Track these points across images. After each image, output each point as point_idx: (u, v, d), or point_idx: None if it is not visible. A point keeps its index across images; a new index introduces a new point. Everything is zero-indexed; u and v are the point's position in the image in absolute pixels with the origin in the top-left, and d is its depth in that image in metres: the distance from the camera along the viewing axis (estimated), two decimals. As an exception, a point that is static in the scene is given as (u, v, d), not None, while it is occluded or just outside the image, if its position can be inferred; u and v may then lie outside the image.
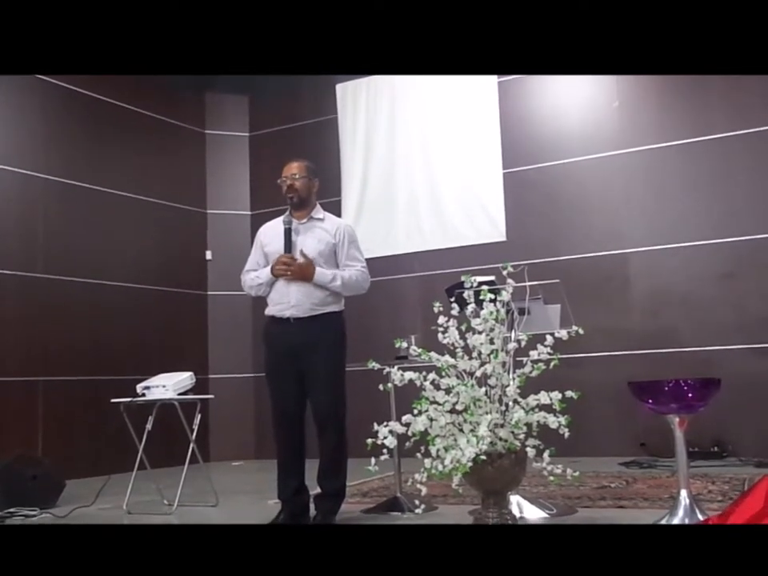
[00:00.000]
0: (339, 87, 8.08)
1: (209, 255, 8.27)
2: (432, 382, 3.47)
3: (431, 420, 3.40)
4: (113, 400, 4.65)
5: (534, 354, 3.50)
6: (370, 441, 3.36)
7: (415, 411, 3.42)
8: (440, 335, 3.58)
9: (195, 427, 4.59)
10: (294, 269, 3.78)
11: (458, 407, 3.43)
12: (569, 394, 3.39)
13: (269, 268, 3.89)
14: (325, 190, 4.12)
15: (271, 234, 3.99)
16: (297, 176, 3.93)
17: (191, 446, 4.60)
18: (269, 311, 3.91)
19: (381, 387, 3.71)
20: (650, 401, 3.48)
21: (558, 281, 4.01)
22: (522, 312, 3.89)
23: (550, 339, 3.51)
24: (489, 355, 3.48)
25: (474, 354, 3.52)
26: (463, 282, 3.68)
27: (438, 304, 3.63)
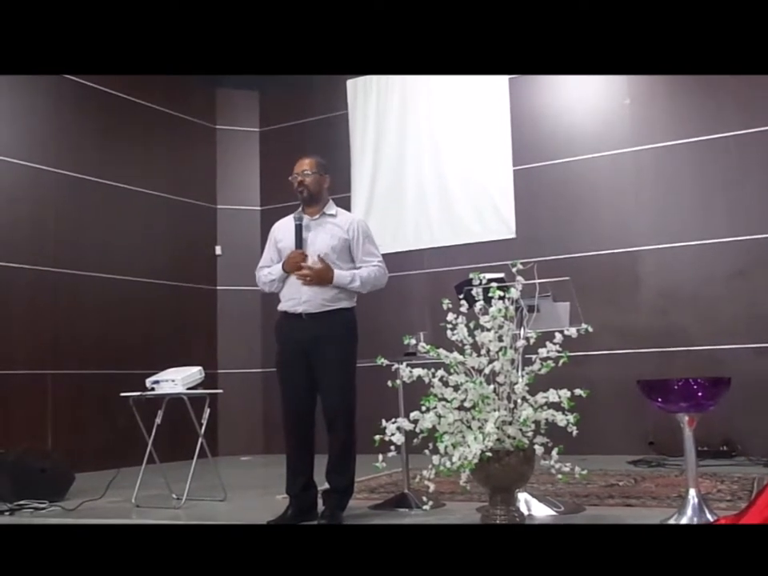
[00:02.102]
0: (350, 83, 8.08)
1: (218, 250, 8.28)
2: (440, 379, 3.47)
3: (439, 417, 3.40)
4: (122, 394, 4.66)
5: (542, 352, 3.50)
6: (377, 437, 3.37)
7: (423, 408, 3.42)
8: (449, 332, 3.58)
9: (204, 422, 4.60)
10: (312, 274, 3.78)
11: (467, 404, 3.44)
12: (578, 391, 3.38)
13: (281, 264, 3.90)
14: (334, 186, 4.12)
15: (284, 230, 4.00)
16: (307, 172, 3.93)
17: (200, 440, 4.61)
18: (281, 307, 3.92)
19: (389, 384, 3.71)
20: (660, 399, 3.47)
21: (567, 278, 4.00)
22: (531, 309, 3.88)
23: (559, 337, 3.50)
24: (497, 352, 3.48)
25: (483, 351, 3.52)
26: (472, 279, 3.68)
27: (446, 301, 3.63)
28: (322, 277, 3.78)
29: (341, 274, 3.81)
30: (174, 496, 4.70)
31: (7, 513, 4.40)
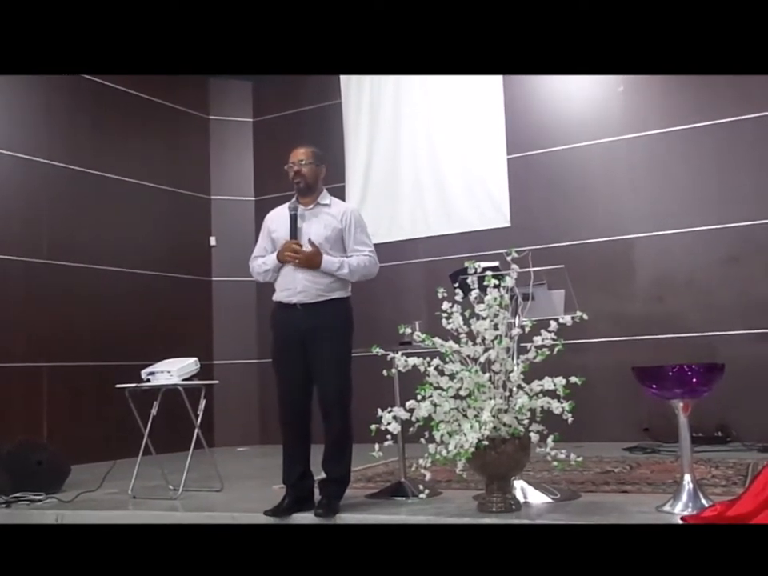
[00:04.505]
0: (343, 72, 8.06)
1: (213, 241, 8.27)
2: (436, 368, 3.48)
3: (435, 405, 3.41)
4: (118, 385, 4.65)
5: (538, 340, 3.50)
6: (374, 426, 3.38)
7: (419, 397, 3.43)
8: (444, 321, 3.59)
9: (200, 413, 4.60)
10: (301, 257, 3.78)
11: (462, 393, 3.45)
12: (573, 379, 3.40)
13: (275, 254, 3.89)
14: (329, 176, 4.10)
15: (278, 220, 3.99)
16: (304, 162, 3.91)
17: (196, 431, 4.61)
18: (276, 297, 3.92)
19: (385, 373, 3.72)
20: (654, 386, 3.48)
21: (562, 266, 4.00)
22: (526, 298, 3.89)
23: (554, 325, 3.51)
24: (493, 341, 3.49)
25: (478, 340, 3.52)
26: (467, 268, 3.68)
27: (442, 290, 3.63)
28: (311, 260, 3.78)
29: (329, 260, 3.81)
30: (171, 487, 4.70)
31: (3, 505, 4.40)
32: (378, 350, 3.61)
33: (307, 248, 3.80)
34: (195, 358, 4.75)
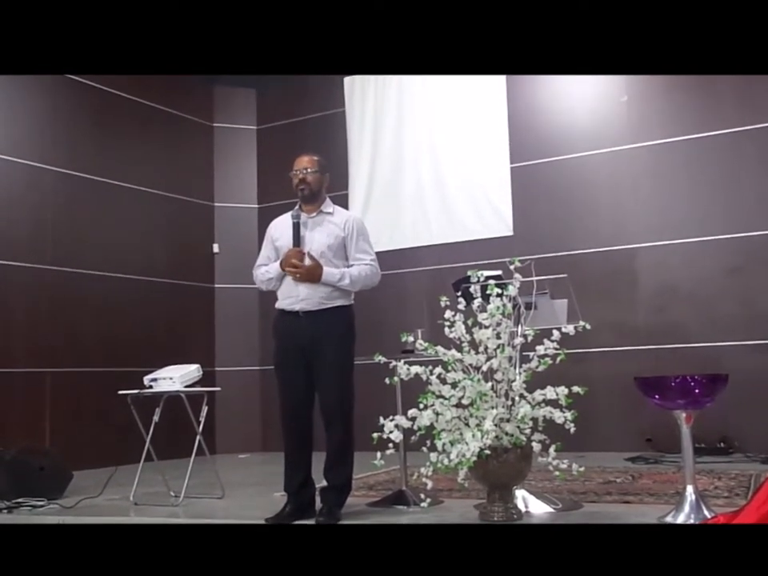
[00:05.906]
0: (347, 80, 8.07)
1: (216, 248, 8.27)
2: (438, 376, 3.48)
3: (437, 414, 3.41)
4: (120, 392, 4.66)
5: (540, 349, 3.50)
6: (375, 435, 3.38)
7: (421, 405, 3.43)
8: (446, 329, 3.59)
9: (202, 419, 4.60)
10: (302, 271, 3.79)
11: (464, 401, 3.45)
12: (575, 389, 3.39)
13: (278, 262, 3.90)
14: (332, 184, 4.12)
15: (281, 228, 3.99)
16: (309, 170, 3.92)
17: (198, 438, 4.61)
18: (279, 305, 3.92)
19: (387, 381, 3.72)
20: (657, 396, 3.47)
21: (565, 275, 4.00)
22: (528, 307, 3.89)
23: (556, 334, 3.51)
24: (495, 350, 3.49)
25: (481, 349, 3.53)
26: (470, 277, 3.69)
27: (444, 298, 3.63)
28: (311, 274, 3.79)
29: (330, 272, 3.81)
30: (172, 494, 4.70)
31: (5, 511, 4.40)
32: (380, 358, 3.61)
33: (308, 262, 3.80)
34: (197, 365, 4.75)
